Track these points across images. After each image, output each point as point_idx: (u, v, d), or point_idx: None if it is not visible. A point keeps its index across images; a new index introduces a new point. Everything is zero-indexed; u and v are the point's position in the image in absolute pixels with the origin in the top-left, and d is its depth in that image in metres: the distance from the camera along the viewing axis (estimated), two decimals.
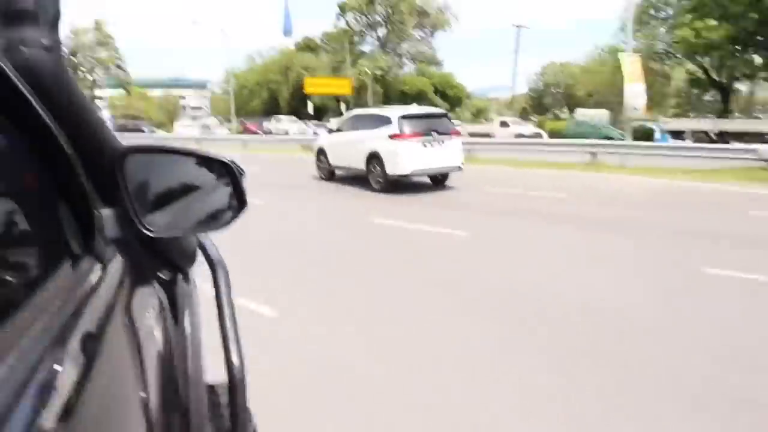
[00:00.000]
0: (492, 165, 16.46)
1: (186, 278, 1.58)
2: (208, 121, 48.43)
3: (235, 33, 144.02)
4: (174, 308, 1.42)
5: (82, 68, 54.61)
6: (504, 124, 34.36)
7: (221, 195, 1.20)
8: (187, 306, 1.54)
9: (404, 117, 11.73)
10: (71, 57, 53.02)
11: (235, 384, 1.23)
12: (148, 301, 1.20)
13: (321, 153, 13.97)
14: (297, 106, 52.42)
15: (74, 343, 0.70)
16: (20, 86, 0.76)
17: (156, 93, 66.09)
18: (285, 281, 5.40)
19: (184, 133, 44.78)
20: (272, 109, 53.77)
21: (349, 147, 12.70)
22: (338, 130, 14.00)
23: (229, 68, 52.19)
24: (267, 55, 59.51)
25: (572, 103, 59.82)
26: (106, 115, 43.38)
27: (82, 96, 1.10)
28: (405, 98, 51.08)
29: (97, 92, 55.99)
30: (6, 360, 0.54)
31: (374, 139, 11.77)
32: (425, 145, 11.48)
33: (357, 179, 12.62)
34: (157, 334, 1.16)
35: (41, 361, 0.59)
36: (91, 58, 54.96)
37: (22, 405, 0.51)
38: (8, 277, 0.67)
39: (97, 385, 0.70)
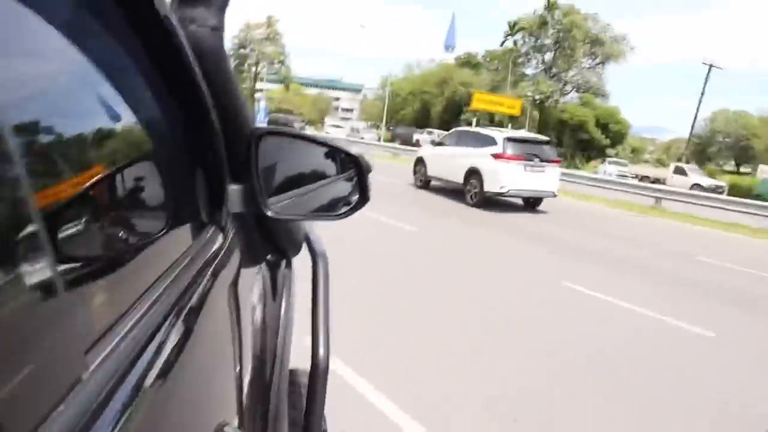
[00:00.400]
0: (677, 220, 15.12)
1: (288, 264, 1.73)
2: (358, 124, 51.36)
3: (397, 42, 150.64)
4: (274, 290, 1.56)
5: (248, 60, 60.76)
6: (680, 170, 33.05)
7: (344, 187, 1.30)
8: (286, 291, 1.69)
9: (509, 139, 12.74)
10: (241, 48, 59.93)
11: (318, 373, 1.30)
12: (253, 280, 1.31)
13: (419, 162, 15.30)
14: (449, 119, 53.89)
15: (191, 305, 0.78)
16: (188, 60, 0.88)
17: (312, 92, 71.75)
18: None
19: (332, 132, 48.31)
20: (423, 120, 56.05)
21: (449, 160, 13.85)
22: (440, 144, 15.26)
23: (386, 74, 55.45)
24: (425, 67, 62.03)
25: (744, 156, 55.97)
26: (263, 105, 47.85)
27: (232, 77, 1.20)
28: (563, 127, 51.10)
29: (259, 84, 61.84)
30: (134, 313, 0.62)
31: (476, 156, 12.83)
32: (525, 168, 12.44)
33: (451, 191, 13.76)
34: (258, 312, 1.28)
35: (162, 318, 0.67)
36: (258, 52, 60.73)
37: (141, 358, 0.57)
38: (141, 234, 0.74)
39: (199, 348, 0.79)
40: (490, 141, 12.89)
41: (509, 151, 12.46)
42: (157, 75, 0.85)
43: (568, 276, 6.97)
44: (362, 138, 41.17)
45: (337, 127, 55.25)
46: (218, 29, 1.10)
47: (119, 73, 0.74)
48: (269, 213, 1.15)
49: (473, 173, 12.88)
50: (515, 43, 55.72)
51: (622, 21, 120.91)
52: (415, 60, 65.65)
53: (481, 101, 41.72)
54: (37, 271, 0.39)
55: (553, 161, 13.08)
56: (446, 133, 16.60)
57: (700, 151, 55.59)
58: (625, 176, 32.07)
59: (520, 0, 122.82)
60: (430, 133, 44.15)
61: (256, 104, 56.89)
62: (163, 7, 0.79)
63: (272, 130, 1.19)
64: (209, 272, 0.90)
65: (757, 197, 23.32)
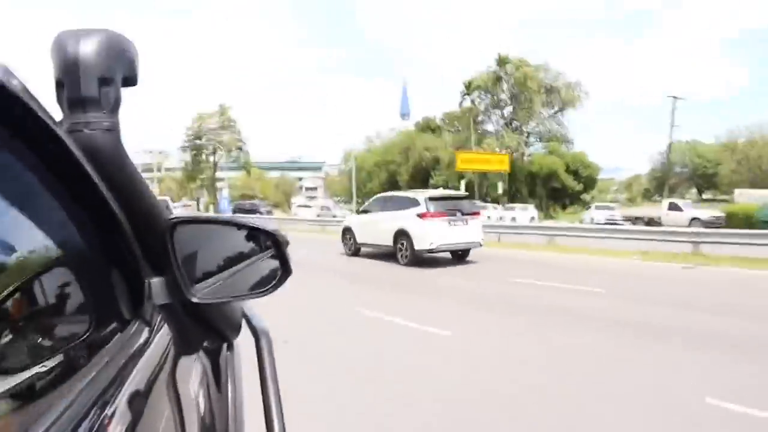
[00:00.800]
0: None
1: (230, 348, 1.81)
2: (326, 201, 52.74)
3: (354, 115, 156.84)
4: (217, 376, 1.65)
5: (205, 150, 62.93)
6: (674, 207, 33.50)
7: (266, 264, 1.43)
8: (230, 375, 1.76)
9: (431, 198, 14.45)
10: (196, 139, 62.20)
11: None
12: (192, 368, 1.38)
13: (347, 231, 17.02)
14: (416, 186, 55.63)
15: (120, 404, 0.83)
16: (82, 164, 0.94)
17: (273, 174, 74.71)
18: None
19: (302, 214, 48.75)
20: (391, 189, 57.41)
21: (377, 225, 15.46)
22: (365, 211, 17.03)
23: (348, 149, 58.13)
24: (386, 137, 64.79)
25: (705, 184, 58.67)
26: (225, 194, 49.38)
27: (136, 174, 1.28)
28: (534, 178, 52.85)
29: (219, 174, 64.05)
30: (58, 416, 0.66)
31: (403, 219, 14.43)
32: (450, 224, 14.07)
33: (382, 255, 15.35)
34: (201, 400, 1.34)
35: (89, 419, 0.71)
36: (215, 141, 63.11)
37: None
38: (63, 339, 0.80)
39: None
40: (414, 202, 14.57)
41: (432, 209, 14.08)
42: (57, 185, 0.91)
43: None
44: (334, 216, 41.59)
45: (306, 207, 56.02)
46: (113, 130, 1.19)
47: (18, 190, 0.81)
48: (194, 299, 1.23)
49: (401, 234, 14.43)
50: (473, 102, 57.92)
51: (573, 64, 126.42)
52: (375, 131, 68.64)
53: (467, 161, 41.98)
54: None
55: (473, 213, 14.86)
56: (369, 201, 18.39)
57: (660, 184, 58.03)
58: (616, 222, 32.17)
59: (466, 62, 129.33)
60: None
61: (218, 193, 58.47)
62: (47, 117, 0.83)
63: (184, 218, 1.28)
64: (136, 366, 0.97)
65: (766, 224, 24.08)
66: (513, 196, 51.98)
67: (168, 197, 58.21)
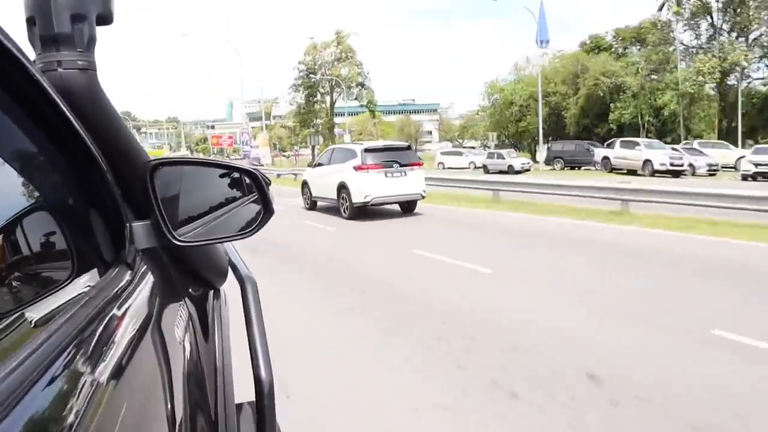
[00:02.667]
0: None
1: (216, 295, 2.21)
2: (502, 150, 51.13)
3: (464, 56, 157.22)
4: (204, 323, 1.95)
5: (320, 89, 67.26)
6: None
7: (250, 205, 1.72)
8: (217, 322, 2.13)
9: (367, 150, 17.67)
10: (310, 75, 66.25)
11: (263, 403, 1.62)
12: (178, 314, 1.59)
13: (305, 185, 20.78)
14: (590, 123, 57.03)
15: (101, 350, 0.95)
16: (58, 104, 1.09)
17: (389, 118, 79.50)
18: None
19: (450, 163, 51.54)
20: (554, 129, 59.42)
21: (325, 179, 19.02)
22: (318, 164, 20.47)
23: (491, 81, 60.47)
24: (537, 64, 62.05)
25: None
26: (347, 140, 49.60)
27: (114, 114, 1.55)
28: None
29: (337, 120, 67.75)
30: (30, 362, 0.75)
31: (342, 171, 17.80)
32: (386, 176, 17.26)
33: (332, 208, 18.92)
34: (187, 347, 1.53)
35: (67, 367, 0.82)
36: (330, 76, 66.88)
37: (40, 410, 0.70)
38: (42, 283, 0.95)
39: (122, 396, 0.94)
40: (352, 154, 17.90)
41: (369, 161, 17.32)
42: (31, 125, 1.07)
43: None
44: (509, 167, 42.41)
45: (456, 154, 57.83)
46: (88, 69, 1.43)
47: None
48: (177, 243, 1.48)
49: (342, 188, 17.87)
50: (678, 2, 53.02)
51: None
52: (524, 57, 66.92)
53: None
54: None
55: (413, 164, 17.77)
56: (323, 153, 21.71)
57: None
58: None
59: None
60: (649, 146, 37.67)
61: (338, 140, 60.26)
62: (21, 55, 0.96)
63: (165, 160, 1.53)
64: (116, 308, 1.14)
65: None
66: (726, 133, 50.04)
67: (260, 154, 63.33)
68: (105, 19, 1.50)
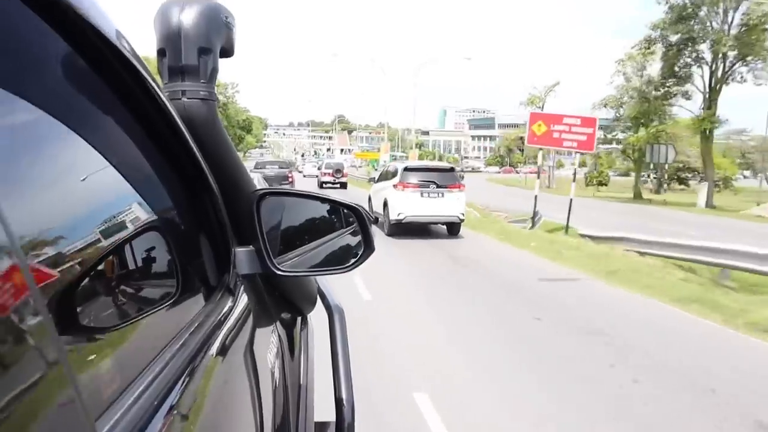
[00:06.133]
0: None
1: (304, 321, 2.31)
2: None
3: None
4: (292, 348, 2.06)
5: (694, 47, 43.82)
6: None
7: (349, 239, 1.76)
8: (303, 347, 2.24)
9: (407, 169, 18.12)
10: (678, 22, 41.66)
11: (344, 424, 1.73)
12: (269, 339, 1.69)
13: (369, 201, 20.79)
14: None
15: (206, 370, 1.05)
16: (181, 131, 1.17)
17: None
18: None
19: None
20: None
21: (378, 195, 19.48)
22: (379, 180, 21.14)
23: None
24: None
25: None
26: None
27: (229, 143, 1.63)
28: None
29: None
30: (144, 378, 0.84)
31: (387, 189, 18.32)
32: (422, 195, 17.51)
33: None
34: (276, 371, 1.63)
35: (172, 382, 0.90)
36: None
37: (152, 422, 0.78)
38: (151, 302, 1.01)
39: (216, 410, 1.03)
40: (395, 173, 18.37)
41: (406, 180, 17.64)
42: (154, 148, 1.14)
43: None
44: None
45: None
46: (209, 99, 1.53)
47: (118, 149, 1.00)
48: (277, 272, 1.54)
49: (385, 205, 18.33)
50: None
51: None
52: None
53: None
54: (43, 341, 0.53)
55: (452, 186, 17.74)
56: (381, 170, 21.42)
57: None
58: None
59: None
60: None
61: None
62: (153, 84, 1.04)
63: (272, 190, 1.61)
64: (220, 335, 1.21)
65: None
66: None
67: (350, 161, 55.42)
68: (227, 52, 1.62)
